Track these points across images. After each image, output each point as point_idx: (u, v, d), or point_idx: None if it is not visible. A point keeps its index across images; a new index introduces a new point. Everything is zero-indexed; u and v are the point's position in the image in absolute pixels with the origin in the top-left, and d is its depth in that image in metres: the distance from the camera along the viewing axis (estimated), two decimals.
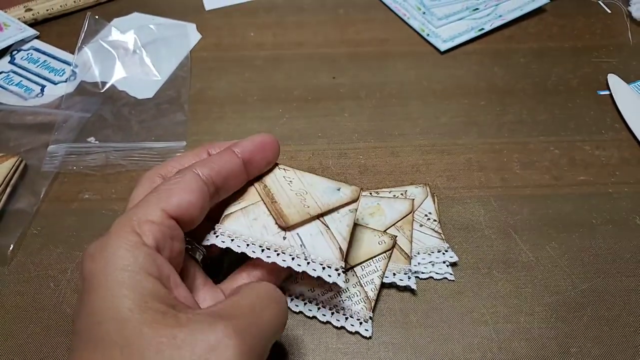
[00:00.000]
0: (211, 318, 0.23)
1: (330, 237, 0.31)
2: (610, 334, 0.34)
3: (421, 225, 0.38)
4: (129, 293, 0.22)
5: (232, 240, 0.31)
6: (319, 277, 0.30)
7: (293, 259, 0.30)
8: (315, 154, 0.44)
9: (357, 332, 0.34)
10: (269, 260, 0.30)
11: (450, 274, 0.36)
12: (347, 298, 0.35)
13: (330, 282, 0.30)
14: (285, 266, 0.30)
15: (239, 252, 0.31)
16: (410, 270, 0.35)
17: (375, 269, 0.35)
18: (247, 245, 0.31)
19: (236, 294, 0.27)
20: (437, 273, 0.36)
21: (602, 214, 0.40)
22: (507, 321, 0.34)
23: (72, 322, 0.24)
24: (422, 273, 0.36)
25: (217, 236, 0.31)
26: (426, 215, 0.38)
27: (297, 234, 0.31)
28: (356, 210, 0.33)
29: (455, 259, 0.37)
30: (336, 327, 0.34)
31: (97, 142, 0.45)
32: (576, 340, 0.33)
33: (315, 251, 0.31)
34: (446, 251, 0.37)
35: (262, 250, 0.30)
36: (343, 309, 0.34)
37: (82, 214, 0.41)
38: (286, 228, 0.31)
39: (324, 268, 0.30)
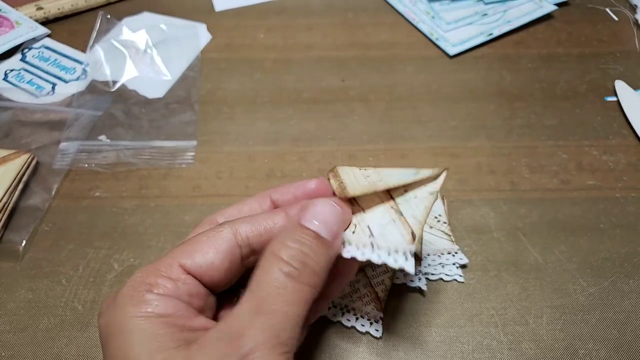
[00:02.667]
0: (223, 343, 0.22)
1: (403, 223, 0.28)
2: (618, 337, 0.34)
3: (431, 227, 0.38)
4: (140, 339, 0.22)
5: None
6: (384, 264, 0.27)
7: (358, 248, 0.27)
8: (325, 156, 0.45)
9: (367, 332, 0.34)
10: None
11: (460, 275, 0.36)
12: (358, 298, 0.35)
13: (397, 267, 0.26)
14: (348, 256, 0.27)
15: None
16: (420, 272, 0.36)
17: (386, 270, 0.35)
18: None
19: (248, 289, 0.24)
20: (447, 275, 0.36)
21: (609, 218, 0.40)
22: (516, 323, 0.35)
23: None
24: (432, 274, 0.36)
25: None
26: (436, 217, 0.39)
27: (368, 226, 0.28)
28: (437, 193, 0.29)
29: (465, 261, 0.37)
30: (346, 327, 0.34)
31: (108, 140, 0.45)
32: (584, 342, 0.34)
33: (383, 239, 0.28)
34: (456, 253, 0.37)
35: None
36: (354, 309, 0.35)
37: (93, 211, 0.41)
38: (345, 198, 0.29)
39: (389, 254, 0.27)
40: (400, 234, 0.28)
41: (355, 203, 0.30)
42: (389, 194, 0.29)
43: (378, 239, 0.28)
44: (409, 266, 0.26)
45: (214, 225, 0.27)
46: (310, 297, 0.24)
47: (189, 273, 0.25)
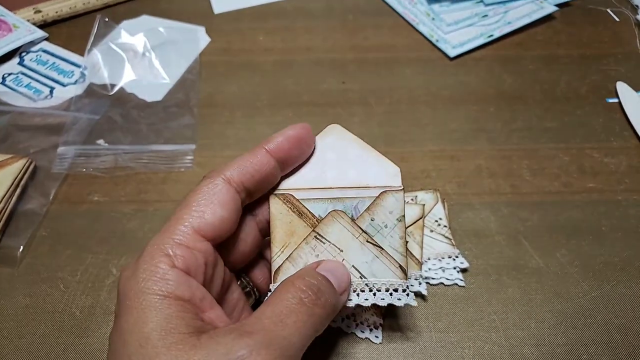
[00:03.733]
0: (233, 335, 0.23)
1: (387, 257, 0.29)
2: (621, 342, 0.34)
3: (431, 231, 0.38)
4: (155, 317, 0.23)
5: None
6: (390, 305, 0.29)
7: (358, 295, 0.29)
8: None
9: (367, 338, 0.34)
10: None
11: (461, 279, 0.36)
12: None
13: (402, 305, 0.28)
14: (352, 305, 0.28)
15: None
16: (421, 276, 0.35)
17: None
18: None
19: (264, 304, 0.26)
20: (447, 279, 0.36)
21: (611, 221, 0.40)
22: (517, 327, 0.34)
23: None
24: (433, 279, 0.36)
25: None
26: (436, 221, 0.38)
27: (353, 265, 0.29)
28: (404, 217, 0.30)
29: (465, 265, 0.37)
30: (346, 333, 0.34)
31: (106, 144, 0.45)
32: (587, 347, 0.33)
33: (376, 279, 0.29)
34: (457, 257, 0.37)
35: None
36: (354, 315, 0.34)
37: (91, 215, 0.41)
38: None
39: (391, 294, 0.28)
40: (389, 270, 0.29)
41: (321, 237, 0.30)
42: (358, 225, 0.30)
43: (371, 280, 0.29)
44: (412, 301, 0.28)
45: (203, 181, 0.28)
46: (319, 325, 0.26)
47: (203, 237, 0.26)
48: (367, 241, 0.29)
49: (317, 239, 0.29)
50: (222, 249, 0.28)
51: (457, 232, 0.39)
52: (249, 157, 0.28)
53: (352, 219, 0.29)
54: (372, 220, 0.30)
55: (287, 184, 0.30)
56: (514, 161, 0.44)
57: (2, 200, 0.39)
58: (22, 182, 0.41)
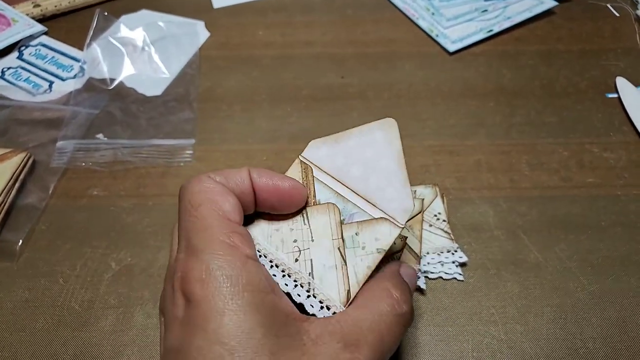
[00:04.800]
0: (340, 345, 0.22)
1: (344, 275, 0.27)
2: (619, 336, 0.34)
3: (430, 225, 0.38)
4: (258, 315, 0.21)
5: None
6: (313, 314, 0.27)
7: (295, 286, 0.27)
8: None
9: None
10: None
11: (460, 274, 0.36)
12: None
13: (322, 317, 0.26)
14: (285, 291, 0.26)
15: None
16: (419, 270, 0.35)
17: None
18: (260, 256, 0.28)
19: (358, 308, 0.25)
20: (446, 273, 0.36)
21: (610, 216, 0.40)
22: (516, 322, 0.34)
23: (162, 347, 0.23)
24: (432, 273, 0.36)
25: None
26: (435, 216, 0.38)
27: (311, 260, 0.28)
28: (384, 251, 0.28)
29: (464, 259, 0.37)
30: None
31: (105, 138, 0.45)
32: (585, 342, 0.33)
33: (321, 285, 0.27)
34: (455, 251, 0.37)
35: (271, 267, 0.27)
36: None
37: (91, 210, 0.41)
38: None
39: (321, 308, 0.26)
40: (337, 287, 0.27)
41: (306, 217, 0.29)
42: (341, 230, 0.29)
43: (317, 284, 0.27)
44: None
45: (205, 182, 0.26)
46: (400, 336, 0.26)
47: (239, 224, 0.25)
48: (338, 248, 0.28)
49: (302, 216, 0.29)
50: None
51: (456, 226, 0.39)
52: (235, 173, 0.27)
53: (341, 221, 0.29)
54: (355, 234, 0.28)
55: (315, 156, 0.30)
56: (513, 156, 0.44)
57: (1, 194, 0.39)
58: (21, 176, 0.41)
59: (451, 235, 0.38)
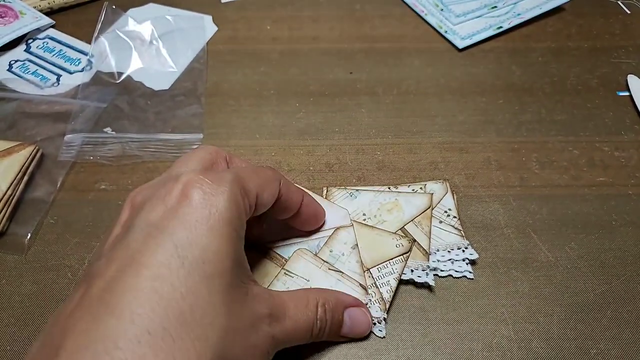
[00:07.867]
0: (266, 310, 0.27)
1: (348, 279, 0.34)
2: (630, 337, 0.33)
3: (441, 222, 0.38)
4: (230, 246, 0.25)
5: None
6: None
7: None
8: (332, 149, 0.44)
9: (370, 332, 0.33)
10: None
11: (470, 272, 0.36)
12: None
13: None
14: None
15: None
16: (428, 267, 0.35)
17: (392, 271, 0.35)
18: None
19: (291, 300, 0.30)
20: (456, 271, 0.36)
21: (621, 215, 0.40)
22: (526, 321, 0.34)
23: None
24: (442, 270, 0.36)
25: None
26: (446, 212, 0.38)
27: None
28: (357, 245, 0.36)
29: (475, 256, 0.36)
30: None
31: (113, 132, 0.45)
32: (596, 342, 0.33)
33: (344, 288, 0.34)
34: (466, 248, 0.37)
35: None
36: None
37: (99, 204, 0.41)
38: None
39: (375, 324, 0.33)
40: (351, 289, 0.34)
41: (290, 272, 0.35)
42: (320, 257, 0.35)
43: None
44: (375, 313, 0.33)
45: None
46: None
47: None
48: (329, 269, 0.34)
49: (287, 274, 0.34)
50: None
51: (465, 224, 0.39)
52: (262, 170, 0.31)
53: (315, 254, 0.35)
54: (330, 251, 0.35)
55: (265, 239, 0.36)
56: (523, 154, 0.44)
57: (9, 187, 0.39)
58: (30, 170, 0.41)
59: (462, 232, 0.37)
